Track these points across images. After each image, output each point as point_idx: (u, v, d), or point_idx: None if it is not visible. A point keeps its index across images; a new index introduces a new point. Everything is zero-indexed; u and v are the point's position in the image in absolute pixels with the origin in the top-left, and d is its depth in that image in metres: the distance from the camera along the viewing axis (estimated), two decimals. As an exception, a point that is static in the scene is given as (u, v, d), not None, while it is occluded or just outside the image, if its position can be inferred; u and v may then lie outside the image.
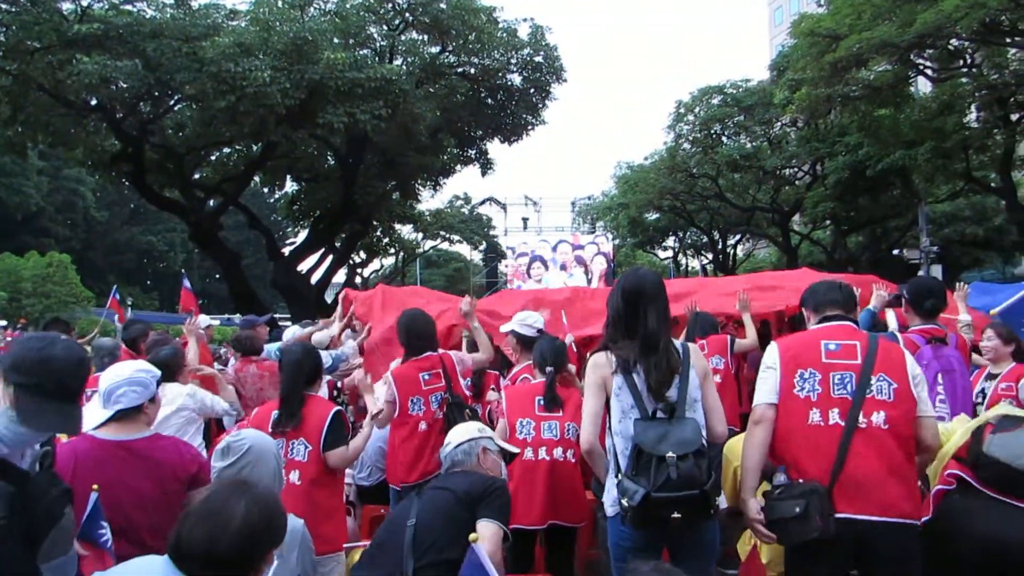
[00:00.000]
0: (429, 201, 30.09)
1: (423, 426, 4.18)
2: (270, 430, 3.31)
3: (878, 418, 2.55)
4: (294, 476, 3.30)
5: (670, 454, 2.46)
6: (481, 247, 38.74)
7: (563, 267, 28.06)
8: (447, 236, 35.44)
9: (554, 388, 3.76)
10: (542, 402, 3.73)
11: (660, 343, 2.64)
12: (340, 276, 25.71)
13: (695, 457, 2.48)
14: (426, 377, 4.22)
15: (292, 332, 6.79)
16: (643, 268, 2.99)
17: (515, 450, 3.09)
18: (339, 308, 6.96)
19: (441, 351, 4.40)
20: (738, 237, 32.56)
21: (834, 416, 2.57)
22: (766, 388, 2.70)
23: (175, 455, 2.67)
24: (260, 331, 6.28)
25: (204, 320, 7.31)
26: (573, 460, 3.66)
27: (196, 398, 4.29)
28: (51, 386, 1.87)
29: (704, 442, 2.56)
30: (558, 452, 3.65)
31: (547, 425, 3.70)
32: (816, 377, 2.62)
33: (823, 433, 2.56)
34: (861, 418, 2.55)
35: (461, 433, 2.94)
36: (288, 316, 20.24)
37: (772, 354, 2.74)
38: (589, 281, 27.28)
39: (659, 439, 2.50)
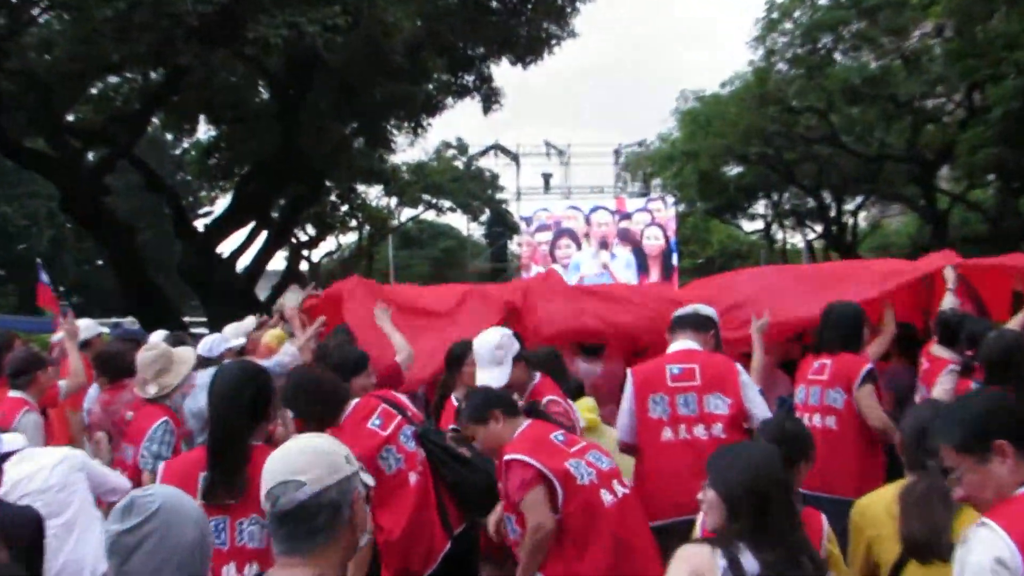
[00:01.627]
0: (407, 151, 30.40)
1: (414, 478, 4.38)
2: (200, 501, 3.33)
3: None
4: (249, 573, 3.31)
5: None
6: (483, 217, 38.82)
7: (603, 244, 28.12)
8: (433, 202, 35.53)
9: None
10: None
11: (796, 553, 2.79)
12: (279, 261, 25.88)
13: None
14: (378, 423, 4.40)
15: (210, 342, 6.87)
16: (761, 450, 3.11)
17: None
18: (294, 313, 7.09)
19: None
20: (860, 200, 32.46)
21: None
22: None
23: None
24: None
25: (88, 327, 7.38)
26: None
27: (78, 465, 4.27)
28: None
29: None
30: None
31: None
32: None
33: None
34: None
35: (310, 462, 2.33)
36: (203, 320, 20.34)
37: None
38: (643, 267, 27.30)
39: None
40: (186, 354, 5.49)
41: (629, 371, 4.97)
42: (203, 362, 6.26)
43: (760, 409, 4.66)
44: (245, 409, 3.51)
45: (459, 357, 5.35)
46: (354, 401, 4.46)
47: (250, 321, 7.48)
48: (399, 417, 4.43)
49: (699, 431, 4.66)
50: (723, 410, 4.65)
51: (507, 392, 4.31)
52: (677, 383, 4.74)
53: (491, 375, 4.67)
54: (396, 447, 4.31)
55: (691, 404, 4.70)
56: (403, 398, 4.71)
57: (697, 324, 5.06)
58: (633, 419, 4.84)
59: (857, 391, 5.20)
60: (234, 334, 7.02)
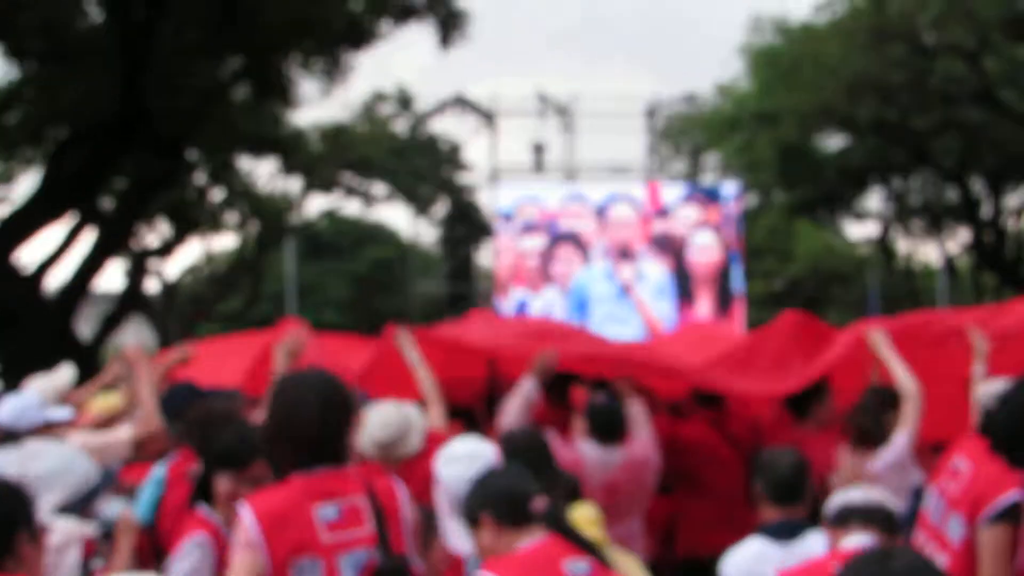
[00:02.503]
0: (319, 105, 29.98)
1: None
2: None
3: None
4: None
5: None
6: (437, 211, 38.84)
7: (624, 254, 28.11)
8: (358, 186, 35.51)
9: None
10: None
11: None
12: (113, 278, 25.75)
13: None
14: (330, 516, 4.31)
15: (18, 408, 6.86)
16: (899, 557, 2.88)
17: None
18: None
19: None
20: (1030, 192, 32.70)
21: None
22: None
23: None
24: None
25: None
26: None
27: None
28: None
29: None
30: None
31: None
32: None
33: None
34: None
35: None
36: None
37: None
38: (686, 292, 27.33)
39: None
40: None
41: None
42: (4, 436, 6.21)
43: None
44: None
45: None
46: (326, 468, 4.41)
47: (66, 374, 7.39)
48: (368, 526, 4.35)
49: None
50: None
51: (524, 485, 4.33)
52: None
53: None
54: (325, 566, 4.24)
55: None
56: (402, 508, 4.57)
57: (885, 523, 4.92)
58: None
59: (983, 530, 5.12)
60: (45, 393, 6.84)
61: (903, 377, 6.58)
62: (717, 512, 7.49)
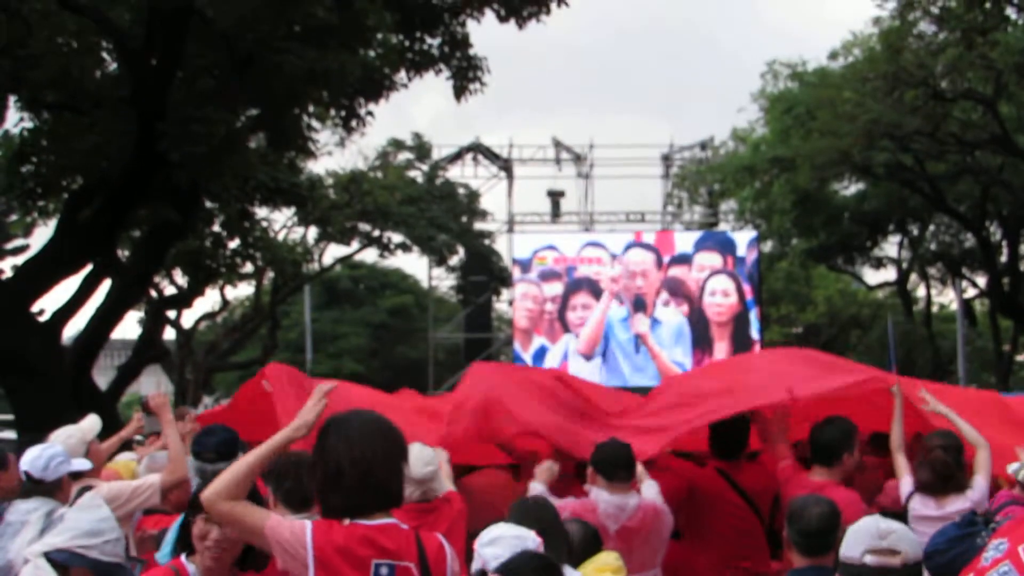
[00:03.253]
0: (334, 154, 29.87)
1: None
2: None
3: None
4: None
5: None
6: (454, 259, 38.76)
7: (639, 303, 27.97)
8: (375, 235, 35.44)
9: None
10: None
11: None
12: (129, 327, 25.77)
13: None
14: (384, 573, 4.35)
15: (46, 457, 6.89)
16: None
17: None
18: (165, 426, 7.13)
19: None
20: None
21: None
22: None
23: None
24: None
25: None
26: None
27: None
28: None
29: None
30: None
31: None
32: None
33: None
34: None
35: None
36: (8, 418, 20.22)
37: None
38: (702, 340, 27.20)
39: None
40: None
41: None
42: (31, 486, 6.32)
43: None
44: None
45: None
46: (385, 520, 4.48)
47: (92, 423, 7.36)
48: None
49: None
50: None
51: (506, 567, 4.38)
52: None
53: None
54: None
55: None
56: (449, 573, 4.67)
57: None
58: None
59: None
60: (70, 443, 6.92)
61: (968, 428, 7.17)
62: (719, 559, 7.48)
